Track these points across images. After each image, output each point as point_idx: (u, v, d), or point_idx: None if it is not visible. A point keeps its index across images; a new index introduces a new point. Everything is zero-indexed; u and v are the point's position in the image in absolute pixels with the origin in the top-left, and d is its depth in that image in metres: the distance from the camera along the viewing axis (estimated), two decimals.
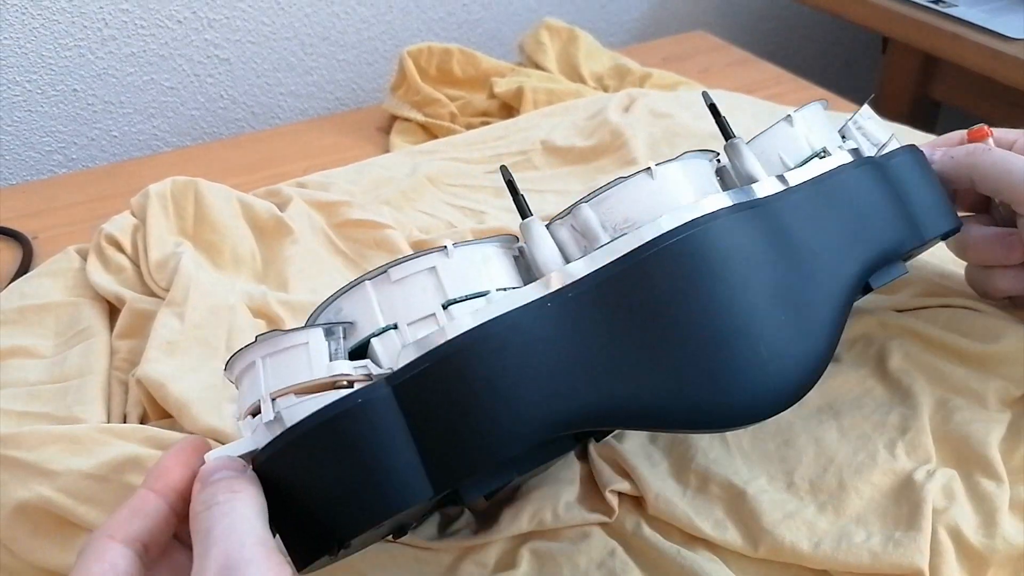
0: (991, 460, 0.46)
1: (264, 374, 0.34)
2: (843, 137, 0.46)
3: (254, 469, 0.34)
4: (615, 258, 0.35)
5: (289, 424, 0.33)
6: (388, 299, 0.36)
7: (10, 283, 0.64)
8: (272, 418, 0.33)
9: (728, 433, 0.48)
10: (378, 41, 1.04)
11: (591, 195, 0.38)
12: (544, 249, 0.37)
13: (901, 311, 0.55)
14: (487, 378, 0.33)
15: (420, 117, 0.87)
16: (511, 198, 0.39)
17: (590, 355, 0.34)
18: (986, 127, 0.51)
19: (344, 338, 0.35)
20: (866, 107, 0.49)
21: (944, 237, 0.49)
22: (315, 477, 0.33)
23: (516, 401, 0.33)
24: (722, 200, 0.38)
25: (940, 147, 0.51)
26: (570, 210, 0.38)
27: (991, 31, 0.90)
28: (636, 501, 0.47)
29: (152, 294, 0.60)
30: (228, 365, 0.36)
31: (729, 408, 0.35)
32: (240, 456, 0.34)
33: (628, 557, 0.44)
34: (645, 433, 0.49)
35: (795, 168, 0.42)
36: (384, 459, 0.32)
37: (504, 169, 0.39)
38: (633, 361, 0.34)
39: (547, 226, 0.38)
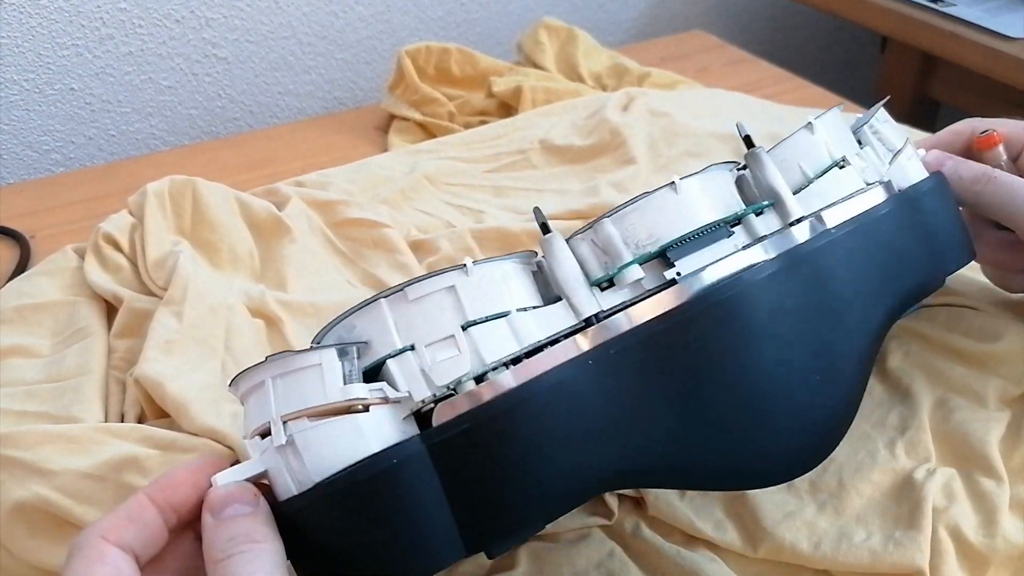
0: (991, 459, 0.45)
1: (275, 395, 0.33)
2: (859, 143, 0.45)
3: (278, 512, 0.33)
4: (659, 313, 0.34)
5: (302, 449, 0.32)
6: (405, 319, 0.34)
7: (7, 282, 0.64)
8: (284, 442, 0.33)
9: None
10: (376, 40, 1.04)
11: (614, 210, 0.37)
12: (565, 267, 0.36)
13: None
14: (528, 441, 0.32)
15: (418, 116, 0.87)
16: (538, 226, 0.38)
17: (629, 414, 0.34)
18: (996, 134, 0.50)
19: (358, 358, 0.34)
20: (882, 110, 0.48)
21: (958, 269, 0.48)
22: (344, 533, 0.32)
23: (556, 464, 0.33)
24: (763, 251, 0.37)
25: (939, 150, 0.50)
26: (592, 225, 0.37)
27: (990, 30, 0.90)
28: (635, 502, 0.46)
29: (150, 293, 0.60)
30: (234, 382, 0.35)
31: (760, 468, 0.36)
32: (249, 479, 0.33)
33: (627, 557, 0.44)
34: None
35: (815, 179, 0.41)
36: (417, 520, 0.32)
37: (537, 211, 0.38)
38: (671, 420, 0.34)
39: (567, 240, 0.37)
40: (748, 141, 0.41)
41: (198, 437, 0.48)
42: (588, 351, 0.34)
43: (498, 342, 0.34)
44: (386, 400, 0.33)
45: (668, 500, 0.45)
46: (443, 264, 0.64)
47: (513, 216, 0.69)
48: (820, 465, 0.46)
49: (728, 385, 0.34)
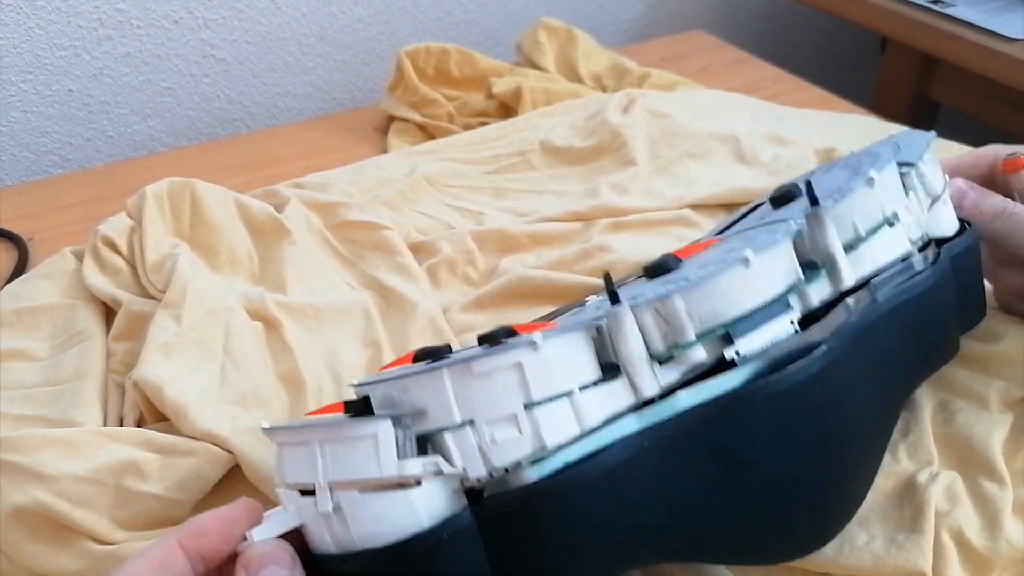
0: (994, 462, 0.45)
1: (322, 460, 0.32)
2: (905, 188, 0.44)
3: (318, 566, 0.33)
4: (718, 395, 0.34)
5: (350, 519, 0.32)
6: (466, 392, 0.33)
7: (5, 285, 0.64)
8: (330, 510, 0.32)
9: None
10: (375, 41, 1.03)
11: (687, 287, 0.35)
12: (631, 344, 0.35)
13: None
14: (577, 521, 0.32)
15: (418, 117, 0.87)
16: (605, 288, 0.37)
17: (678, 496, 0.34)
18: (1022, 157, 0.50)
19: (411, 426, 0.33)
20: (929, 152, 0.46)
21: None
22: None
23: (604, 545, 0.33)
24: (819, 332, 0.36)
25: (961, 176, 0.50)
26: (661, 299, 0.35)
27: (990, 31, 0.90)
28: None
29: (149, 296, 0.59)
30: (272, 431, 0.34)
31: (787, 550, 0.37)
32: (283, 535, 0.33)
33: None
34: None
35: (867, 237, 0.40)
36: None
37: (607, 278, 0.37)
38: (714, 505, 0.34)
39: (632, 308, 0.36)
40: (813, 198, 0.40)
41: (197, 441, 0.48)
42: (643, 431, 0.34)
43: (559, 423, 0.33)
44: (439, 473, 0.32)
45: None
46: (443, 266, 0.64)
47: (513, 218, 0.69)
48: None
49: (776, 475, 0.35)
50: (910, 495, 0.44)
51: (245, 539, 0.33)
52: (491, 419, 0.32)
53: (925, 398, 0.49)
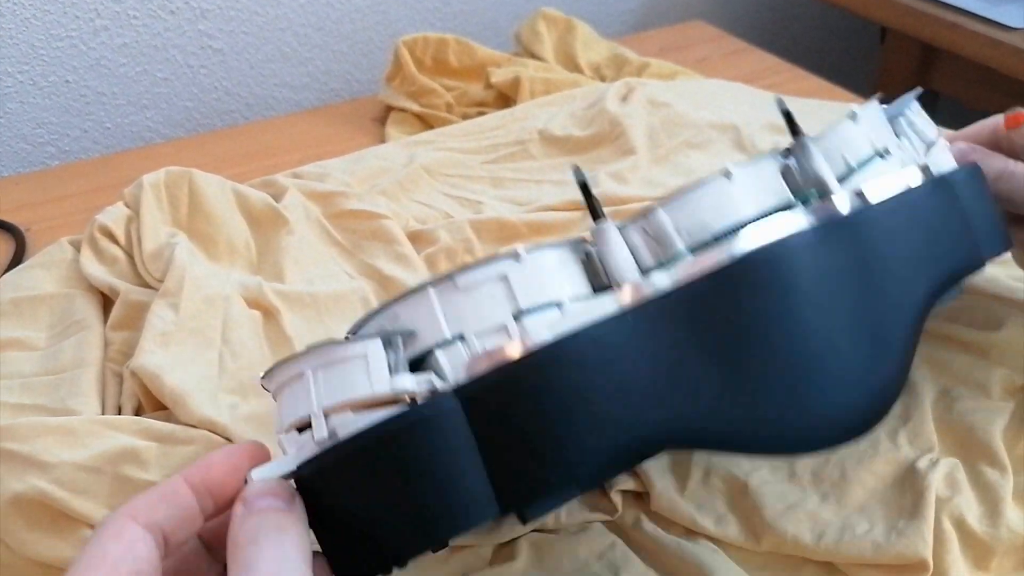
0: (994, 449, 0.45)
1: (315, 387, 0.32)
2: (896, 134, 0.45)
3: (297, 482, 0.32)
4: (700, 274, 0.34)
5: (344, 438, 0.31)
6: (454, 308, 0.33)
7: (3, 275, 0.63)
8: (326, 436, 0.32)
9: None
10: (373, 31, 1.03)
11: (667, 199, 0.36)
12: (619, 256, 0.35)
13: None
14: (565, 394, 0.31)
15: (416, 107, 0.86)
16: (584, 199, 0.37)
17: (668, 373, 0.33)
18: (1023, 112, 0.50)
19: (403, 348, 0.33)
20: (915, 103, 0.47)
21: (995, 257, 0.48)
22: (373, 495, 0.31)
23: (594, 419, 0.31)
24: (806, 217, 0.36)
25: (967, 142, 0.50)
26: (644, 214, 0.36)
27: (990, 20, 0.90)
28: (636, 496, 0.46)
29: (146, 285, 0.59)
30: (269, 374, 0.34)
31: (807, 432, 0.34)
32: (285, 476, 0.32)
33: (628, 549, 0.43)
34: None
35: (858, 169, 0.41)
36: (451, 475, 0.31)
37: (577, 170, 0.37)
38: (711, 380, 0.33)
39: (619, 229, 0.36)
40: (792, 126, 0.40)
41: (196, 429, 0.48)
42: (628, 308, 0.33)
43: (551, 331, 0.33)
44: (434, 392, 0.32)
45: (670, 496, 0.45)
46: (442, 256, 0.63)
47: (512, 207, 0.69)
48: (822, 456, 0.46)
49: (771, 345, 0.34)
50: (910, 482, 0.44)
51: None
52: (480, 331, 0.33)
53: (926, 385, 0.49)
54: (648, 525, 0.44)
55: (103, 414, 0.51)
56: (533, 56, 0.93)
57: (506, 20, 1.09)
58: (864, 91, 0.98)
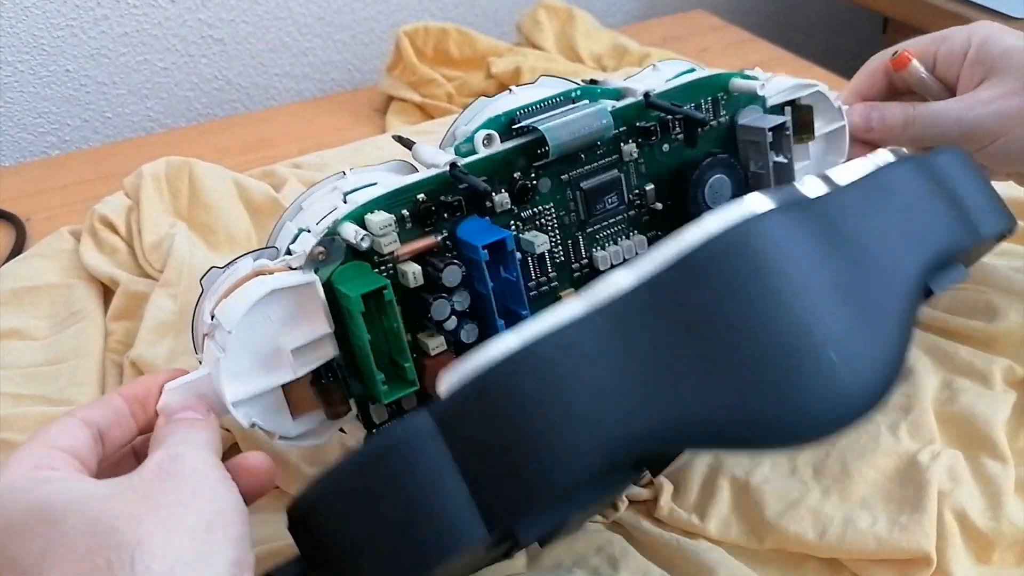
0: (996, 441, 0.45)
1: (207, 305, 0.39)
2: None
3: (288, 514, 0.33)
4: (663, 266, 0.33)
5: (223, 319, 0.36)
6: (301, 219, 0.42)
7: (3, 264, 0.63)
8: (211, 323, 0.37)
9: None
10: (374, 21, 1.03)
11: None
12: (426, 149, 0.43)
13: None
14: (538, 402, 0.31)
15: (417, 97, 0.86)
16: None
17: (644, 370, 0.32)
18: (906, 52, 0.51)
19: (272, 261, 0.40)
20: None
21: (1001, 237, 0.46)
22: (356, 526, 0.31)
23: (570, 425, 0.31)
24: (768, 200, 0.36)
25: (865, 98, 0.50)
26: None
27: (993, 10, 0.90)
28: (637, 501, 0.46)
29: (146, 275, 0.59)
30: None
31: (799, 421, 0.33)
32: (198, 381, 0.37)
33: (628, 543, 0.43)
34: None
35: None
36: (430, 497, 0.30)
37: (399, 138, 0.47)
38: (690, 374, 0.32)
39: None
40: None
41: None
42: (594, 310, 0.33)
43: (370, 194, 0.39)
44: (289, 266, 0.38)
45: (673, 507, 0.44)
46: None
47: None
48: (823, 450, 0.46)
49: (747, 331, 0.33)
50: (912, 475, 0.44)
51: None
52: (318, 219, 0.39)
53: (927, 376, 0.49)
54: (647, 526, 0.44)
55: None
56: (534, 46, 0.93)
57: (507, 10, 1.09)
58: None
